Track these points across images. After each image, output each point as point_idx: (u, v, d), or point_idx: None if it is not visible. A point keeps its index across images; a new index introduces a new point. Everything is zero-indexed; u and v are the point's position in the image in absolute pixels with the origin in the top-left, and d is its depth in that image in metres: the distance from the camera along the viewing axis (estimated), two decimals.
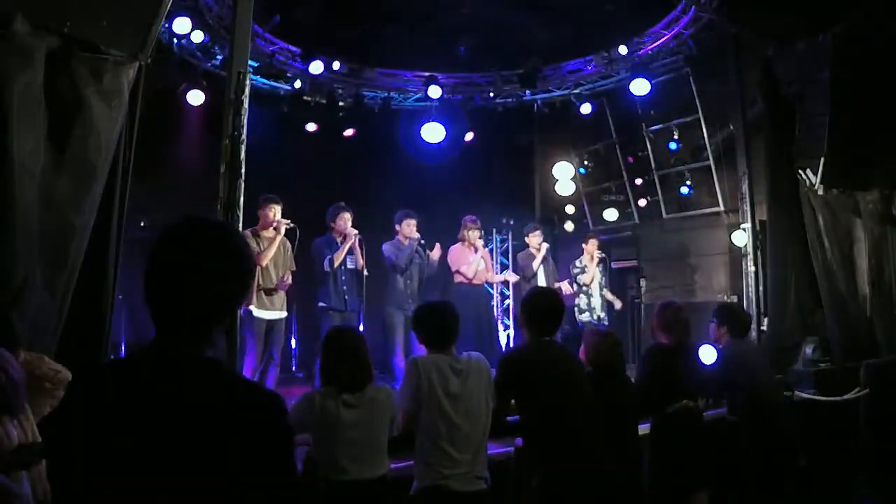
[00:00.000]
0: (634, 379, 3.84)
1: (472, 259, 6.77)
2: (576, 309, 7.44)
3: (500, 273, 9.16)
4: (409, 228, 6.36)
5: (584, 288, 7.43)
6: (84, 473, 1.19)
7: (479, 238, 6.88)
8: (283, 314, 5.64)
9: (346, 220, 5.97)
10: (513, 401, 3.34)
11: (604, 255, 7.66)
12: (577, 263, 7.56)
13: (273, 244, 5.46)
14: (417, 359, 3.24)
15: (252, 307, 5.33)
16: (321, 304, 5.94)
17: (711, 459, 3.71)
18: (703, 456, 3.65)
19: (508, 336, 9.69)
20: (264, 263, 5.42)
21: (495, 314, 9.41)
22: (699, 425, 3.77)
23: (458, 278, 6.80)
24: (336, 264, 5.88)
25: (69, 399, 1.32)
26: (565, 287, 7.22)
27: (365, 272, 6.04)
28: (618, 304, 7.68)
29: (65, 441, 1.24)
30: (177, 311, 1.28)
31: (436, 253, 6.55)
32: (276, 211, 5.56)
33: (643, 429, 3.75)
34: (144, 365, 1.27)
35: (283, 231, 5.51)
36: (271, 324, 5.48)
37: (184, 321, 1.28)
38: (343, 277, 5.94)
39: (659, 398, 3.68)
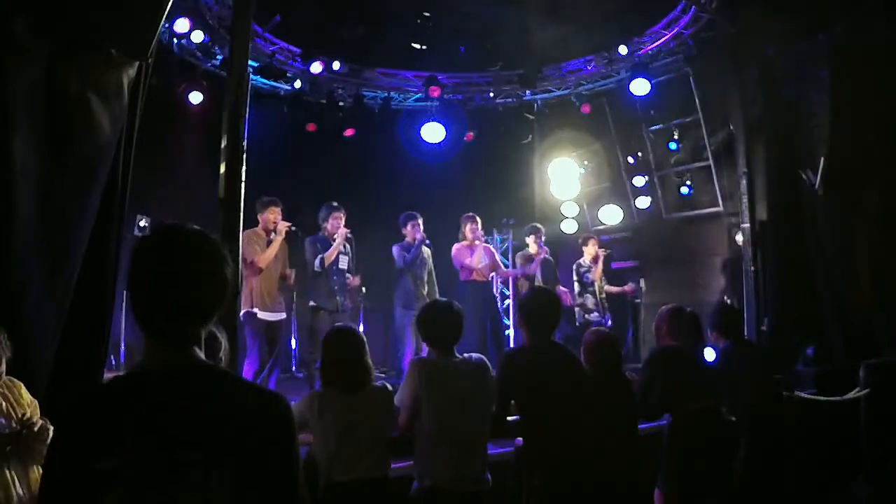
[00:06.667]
0: (640, 379, 3.83)
1: (474, 253, 6.81)
2: (578, 308, 7.47)
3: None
4: (413, 230, 6.43)
5: (590, 287, 7.48)
6: (92, 489, 1.18)
7: (475, 232, 6.89)
8: (281, 316, 5.62)
9: (338, 220, 5.97)
10: (513, 401, 3.33)
11: (608, 251, 7.70)
12: (583, 263, 7.61)
13: (273, 247, 5.43)
14: (418, 360, 3.25)
15: (255, 309, 5.31)
16: (312, 303, 5.93)
17: (730, 460, 3.69)
18: (721, 456, 3.63)
19: (509, 336, 9.68)
20: (263, 266, 5.38)
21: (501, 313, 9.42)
22: (719, 425, 3.74)
23: (463, 275, 6.84)
24: (327, 264, 5.86)
25: (74, 419, 1.29)
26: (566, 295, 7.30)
27: (360, 285, 6.09)
28: (628, 288, 7.85)
29: (72, 460, 1.22)
30: (162, 319, 1.28)
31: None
32: (276, 213, 5.53)
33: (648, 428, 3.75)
34: (146, 377, 1.28)
35: (283, 234, 5.48)
36: (272, 325, 5.45)
37: (170, 329, 1.29)
38: (334, 277, 5.93)
39: (670, 399, 3.66)
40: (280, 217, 5.54)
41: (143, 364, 1.31)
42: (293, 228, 5.58)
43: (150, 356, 1.30)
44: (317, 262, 5.84)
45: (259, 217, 5.51)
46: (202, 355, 1.32)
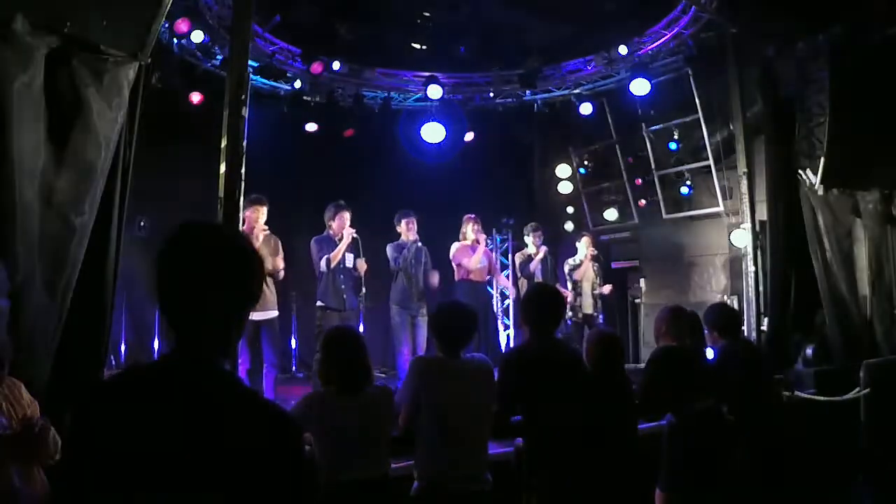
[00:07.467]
0: (641, 378, 3.83)
1: (474, 253, 6.81)
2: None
3: (501, 274, 9.17)
4: (405, 228, 6.41)
5: (576, 284, 7.44)
6: (98, 486, 1.18)
7: (477, 233, 6.89)
8: (272, 314, 5.52)
9: (344, 219, 5.96)
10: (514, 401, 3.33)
11: (596, 252, 7.66)
12: (571, 262, 7.58)
13: None
14: (419, 359, 3.25)
15: None
16: (319, 303, 5.92)
17: (730, 460, 3.69)
18: (721, 456, 3.63)
19: (508, 336, 9.69)
20: None
21: (495, 314, 9.42)
22: (719, 425, 3.74)
23: (459, 274, 6.84)
24: (334, 264, 5.85)
25: (85, 412, 1.27)
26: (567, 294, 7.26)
27: (362, 276, 6.04)
28: (606, 289, 7.67)
29: (81, 455, 1.22)
30: (194, 322, 1.26)
31: (434, 279, 6.56)
32: (258, 213, 5.44)
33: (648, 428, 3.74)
34: (162, 377, 1.26)
35: (260, 238, 5.39)
36: (259, 324, 5.36)
37: (203, 331, 1.26)
38: (341, 276, 5.91)
39: (670, 399, 3.66)
40: (263, 216, 5.47)
41: (163, 358, 1.30)
42: (267, 230, 5.49)
43: (172, 352, 1.28)
44: (323, 262, 5.83)
45: (245, 217, 5.46)
46: (224, 363, 1.28)
